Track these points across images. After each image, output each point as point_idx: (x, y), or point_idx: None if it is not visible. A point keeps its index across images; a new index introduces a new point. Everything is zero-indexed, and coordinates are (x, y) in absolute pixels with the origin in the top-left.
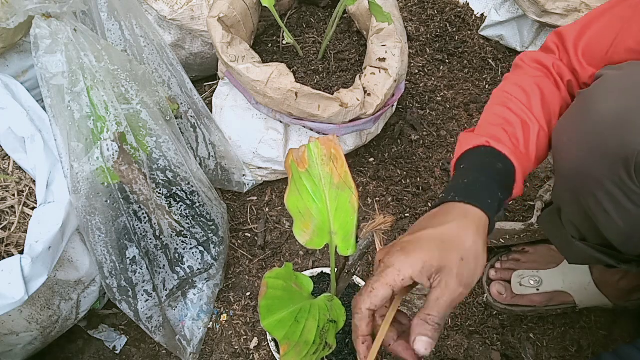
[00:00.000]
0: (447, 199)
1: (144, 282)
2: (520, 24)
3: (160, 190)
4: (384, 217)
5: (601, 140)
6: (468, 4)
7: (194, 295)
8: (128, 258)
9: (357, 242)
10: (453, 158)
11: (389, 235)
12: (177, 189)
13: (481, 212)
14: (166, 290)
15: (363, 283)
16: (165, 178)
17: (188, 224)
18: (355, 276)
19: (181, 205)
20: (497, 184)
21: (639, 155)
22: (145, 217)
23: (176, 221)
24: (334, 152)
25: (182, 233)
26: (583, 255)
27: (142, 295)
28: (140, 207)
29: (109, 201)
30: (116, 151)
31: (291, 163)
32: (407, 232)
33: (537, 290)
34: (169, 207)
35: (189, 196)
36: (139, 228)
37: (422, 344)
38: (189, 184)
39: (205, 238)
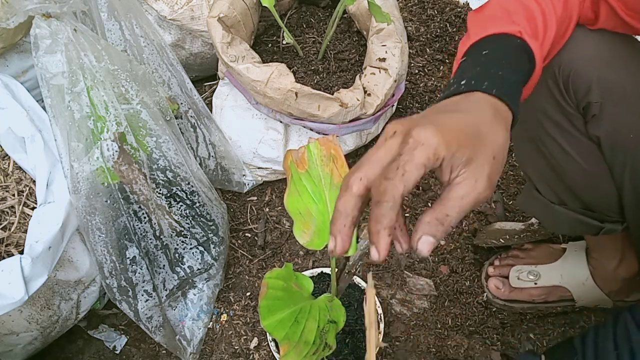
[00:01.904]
0: (479, 87)
1: (144, 282)
2: None
3: (160, 190)
4: None
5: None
6: (468, 4)
7: (194, 295)
8: (128, 258)
9: (357, 242)
10: (468, 36)
11: None
12: (177, 189)
13: (510, 113)
14: (166, 290)
15: (363, 283)
16: (165, 178)
17: (188, 224)
18: (356, 277)
19: (181, 205)
20: (522, 86)
21: (562, 68)
22: (145, 217)
23: (176, 221)
24: (333, 152)
25: (182, 233)
26: (567, 221)
27: (142, 295)
28: (140, 207)
29: (109, 201)
30: (116, 151)
31: (290, 164)
32: (431, 110)
33: (535, 284)
34: (169, 207)
35: (189, 196)
36: (139, 228)
37: (428, 245)
38: (189, 184)
39: (205, 238)
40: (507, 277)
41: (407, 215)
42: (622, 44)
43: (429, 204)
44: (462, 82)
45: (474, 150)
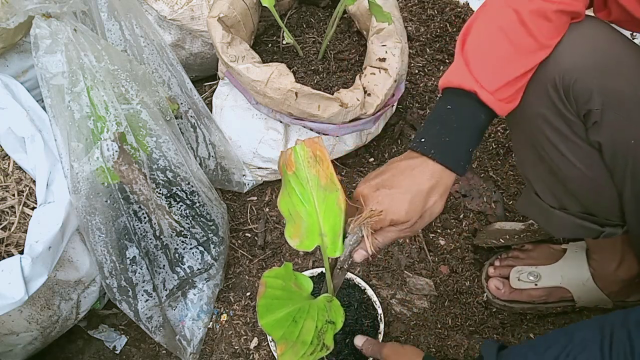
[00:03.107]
0: (427, 153)
1: (144, 282)
2: None
3: (160, 190)
4: (371, 211)
5: (538, 72)
6: (468, 4)
7: (194, 295)
8: (128, 258)
9: (345, 237)
10: (445, 76)
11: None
12: (177, 189)
13: (453, 175)
14: (166, 290)
15: (364, 284)
16: (165, 178)
17: (188, 224)
18: (356, 277)
19: (181, 205)
20: (476, 141)
21: (563, 77)
22: (145, 217)
23: (176, 221)
24: (319, 154)
25: (182, 233)
26: (567, 225)
27: (142, 295)
28: (140, 207)
29: (109, 201)
30: (116, 151)
31: (282, 166)
32: (388, 174)
33: (536, 285)
34: (169, 207)
35: (189, 196)
36: (139, 228)
37: (361, 256)
38: (189, 184)
39: (205, 238)
40: (507, 278)
41: None
42: (622, 48)
43: None
44: (422, 140)
45: (408, 214)
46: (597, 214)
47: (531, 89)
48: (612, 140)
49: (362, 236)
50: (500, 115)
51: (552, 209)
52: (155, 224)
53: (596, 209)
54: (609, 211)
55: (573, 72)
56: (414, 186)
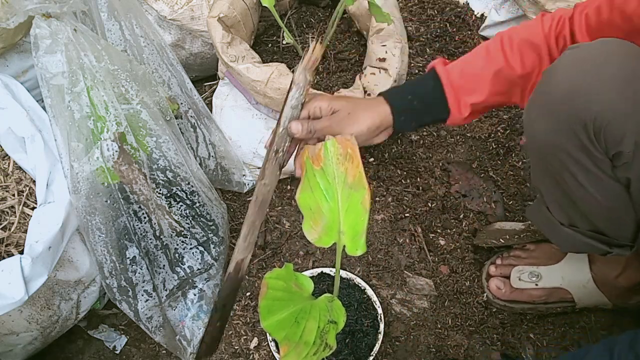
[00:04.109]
0: (383, 93)
1: (144, 282)
2: None
3: (160, 190)
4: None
5: (562, 109)
6: (468, 4)
7: (194, 295)
8: (128, 258)
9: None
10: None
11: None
12: (177, 189)
13: (389, 109)
14: (166, 290)
15: (364, 284)
16: (165, 178)
17: (188, 224)
18: (356, 277)
19: (181, 205)
20: (419, 95)
21: (595, 118)
22: (145, 217)
23: (176, 221)
24: (350, 151)
25: (182, 233)
26: (574, 242)
27: (142, 296)
28: (140, 207)
29: (109, 201)
30: (116, 151)
31: (306, 160)
32: (350, 100)
33: (536, 285)
34: (169, 207)
35: (189, 196)
36: (139, 228)
37: (297, 129)
38: (189, 184)
39: (205, 238)
40: (508, 277)
41: (407, 215)
42: None
43: (429, 204)
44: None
45: (347, 124)
46: (608, 234)
47: (557, 125)
48: None
49: (305, 87)
50: (444, 86)
51: (561, 226)
52: (155, 224)
53: (608, 231)
54: (622, 234)
55: (606, 115)
56: (357, 100)
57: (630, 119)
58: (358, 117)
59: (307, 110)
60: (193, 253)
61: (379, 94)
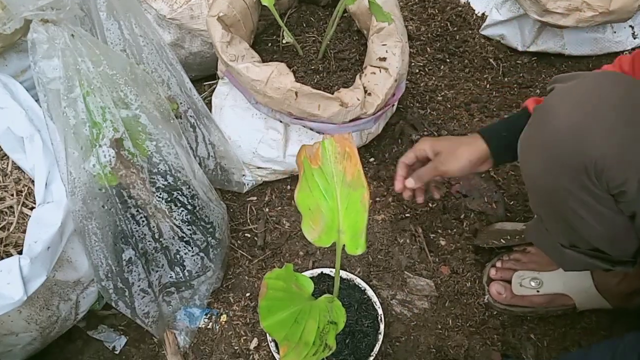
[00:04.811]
0: (481, 130)
1: (139, 280)
2: (521, 23)
3: (160, 194)
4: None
5: (561, 152)
6: (469, 3)
7: (189, 294)
8: (124, 260)
9: None
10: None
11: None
12: (178, 193)
13: (485, 145)
14: (161, 285)
15: (364, 284)
16: (165, 182)
17: (190, 229)
18: (356, 277)
19: (182, 211)
20: (508, 132)
21: (596, 163)
22: (143, 221)
23: (177, 225)
24: (348, 150)
25: (184, 239)
26: (576, 262)
27: (139, 294)
28: (138, 210)
29: (105, 206)
30: (113, 157)
31: (304, 159)
32: (450, 140)
33: (538, 291)
34: (170, 212)
35: (190, 200)
36: (137, 231)
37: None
38: (189, 187)
39: (205, 244)
40: (509, 282)
41: (407, 215)
42: None
43: (430, 204)
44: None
45: (450, 164)
46: (610, 254)
47: (555, 166)
48: None
49: None
50: None
51: (562, 247)
52: (153, 226)
53: (610, 251)
54: (624, 254)
55: (607, 161)
56: (456, 139)
57: (632, 166)
58: (458, 155)
59: (413, 153)
60: (194, 260)
61: (477, 132)
